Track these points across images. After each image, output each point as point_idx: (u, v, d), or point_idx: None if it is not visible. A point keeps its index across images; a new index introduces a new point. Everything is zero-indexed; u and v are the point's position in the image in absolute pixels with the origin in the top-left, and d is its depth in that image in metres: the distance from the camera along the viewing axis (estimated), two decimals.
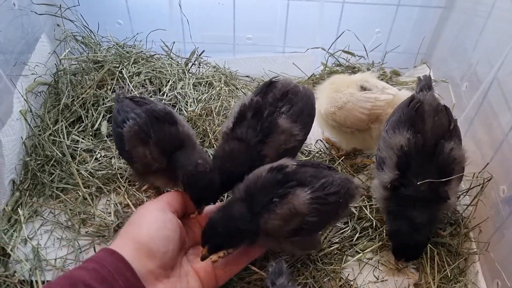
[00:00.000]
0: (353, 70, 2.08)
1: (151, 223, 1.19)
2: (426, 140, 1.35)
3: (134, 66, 1.91)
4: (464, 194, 1.61)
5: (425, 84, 1.52)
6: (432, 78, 2.08)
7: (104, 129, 1.78)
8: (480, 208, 1.53)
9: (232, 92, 1.97)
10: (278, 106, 1.39)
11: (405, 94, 1.68)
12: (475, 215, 1.55)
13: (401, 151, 1.35)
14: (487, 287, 1.45)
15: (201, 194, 1.28)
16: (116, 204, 1.59)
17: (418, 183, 1.31)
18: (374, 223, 1.56)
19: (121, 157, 1.65)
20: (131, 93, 1.80)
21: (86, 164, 1.67)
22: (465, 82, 1.82)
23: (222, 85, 1.94)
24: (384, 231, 1.54)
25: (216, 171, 1.30)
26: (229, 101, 1.89)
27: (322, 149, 1.83)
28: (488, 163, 1.50)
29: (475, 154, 1.62)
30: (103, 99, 1.81)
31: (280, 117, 1.37)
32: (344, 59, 2.11)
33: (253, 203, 1.20)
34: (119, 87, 1.47)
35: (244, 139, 1.34)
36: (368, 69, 2.09)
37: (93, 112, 1.80)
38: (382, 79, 2.05)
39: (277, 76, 1.95)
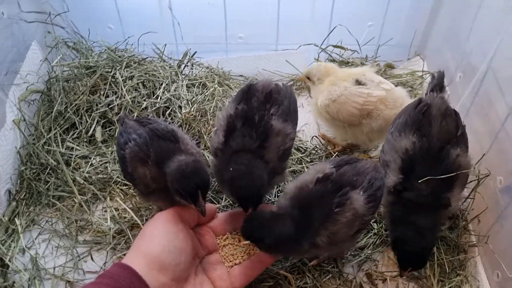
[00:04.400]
0: (347, 65, 2.07)
1: (162, 235, 1.17)
2: (431, 144, 1.33)
3: (127, 70, 1.90)
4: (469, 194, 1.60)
5: (437, 84, 1.47)
6: (426, 69, 2.08)
7: (98, 135, 1.77)
8: (479, 199, 1.52)
9: (226, 92, 1.96)
10: (266, 109, 1.35)
11: (399, 90, 1.68)
12: (474, 206, 1.54)
13: (406, 154, 1.33)
14: (487, 278, 1.45)
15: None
16: (112, 209, 1.59)
17: (419, 182, 1.28)
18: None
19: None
20: (124, 97, 1.79)
21: (81, 170, 1.67)
22: (460, 72, 1.81)
23: (216, 85, 1.93)
24: (383, 226, 1.54)
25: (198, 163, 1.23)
26: (223, 102, 1.88)
27: (318, 146, 1.83)
28: (484, 154, 1.50)
29: (473, 144, 1.61)
30: (97, 105, 1.81)
31: (271, 119, 1.33)
32: (337, 54, 2.09)
33: (308, 218, 1.18)
34: (126, 114, 1.44)
35: (246, 149, 1.28)
36: (362, 63, 2.08)
37: (87, 118, 1.79)
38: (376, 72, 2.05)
39: (255, 79, 1.99)
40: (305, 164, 1.72)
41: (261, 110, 1.34)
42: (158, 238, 1.16)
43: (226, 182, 1.25)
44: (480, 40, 1.70)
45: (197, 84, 1.93)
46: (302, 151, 1.79)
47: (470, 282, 1.44)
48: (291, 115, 1.39)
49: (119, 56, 1.96)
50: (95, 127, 1.78)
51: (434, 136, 1.34)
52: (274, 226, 1.19)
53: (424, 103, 1.40)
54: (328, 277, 1.43)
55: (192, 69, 2.04)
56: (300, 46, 2.05)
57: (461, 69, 1.81)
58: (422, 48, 2.18)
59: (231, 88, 2.01)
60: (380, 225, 1.55)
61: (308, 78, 1.81)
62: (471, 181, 1.52)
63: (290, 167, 1.68)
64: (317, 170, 1.26)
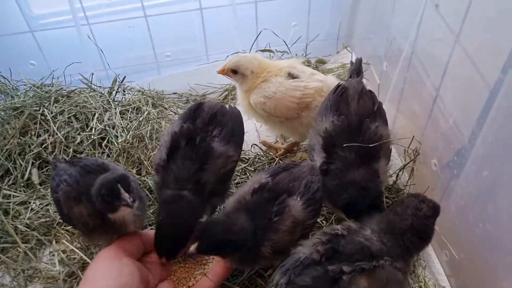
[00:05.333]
0: None
1: (105, 275, 1.15)
2: (351, 120, 1.37)
3: (56, 106, 1.84)
4: (402, 170, 1.64)
5: (354, 70, 1.53)
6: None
7: (35, 177, 1.71)
8: (422, 179, 1.56)
9: (161, 113, 1.93)
10: (209, 130, 1.36)
11: (332, 80, 1.69)
12: (418, 188, 1.57)
13: (326, 133, 1.37)
14: (438, 258, 1.49)
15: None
16: (59, 252, 1.54)
17: (345, 146, 1.32)
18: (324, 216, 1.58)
19: None
20: (56, 135, 1.74)
21: (22, 217, 1.60)
22: (387, 58, 1.84)
23: (150, 108, 1.90)
24: (333, 222, 1.56)
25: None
26: (160, 123, 1.85)
27: (259, 153, 1.83)
28: (413, 137, 1.53)
29: (411, 128, 1.65)
30: (29, 146, 1.74)
31: (213, 141, 1.34)
32: (267, 57, 2.09)
33: (250, 228, 1.19)
34: (56, 158, 1.41)
35: (182, 181, 1.28)
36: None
37: (21, 162, 1.73)
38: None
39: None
40: (249, 174, 1.72)
41: (204, 132, 1.35)
42: (102, 279, 1.14)
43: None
44: (401, 25, 1.74)
45: (130, 110, 1.89)
46: (245, 161, 1.78)
47: (421, 261, 1.49)
48: (235, 138, 1.40)
49: (46, 92, 1.89)
50: (30, 169, 1.72)
51: (352, 113, 1.39)
52: (235, 221, 1.19)
53: (342, 86, 1.45)
54: None
55: (125, 94, 2.00)
56: (227, 56, 2.04)
57: (387, 56, 1.84)
58: (349, 39, 2.22)
59: (165, 108, 1.97)
60: (330, 222, 1.56)
61: (235, 72, 1.70)
62: (407, 163, 1.58)
63: (235, 179, 1.68)
64: (253, 181, 1.27)
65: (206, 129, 1.36)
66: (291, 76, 1.65)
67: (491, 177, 1.18)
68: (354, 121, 1.37)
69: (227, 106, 1.47)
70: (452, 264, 1.42)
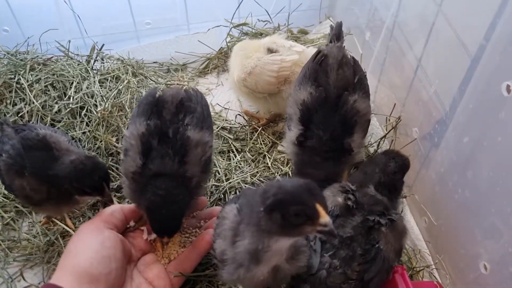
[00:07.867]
0: (260, 36, 2.05)
1: (87, 247, 1.14)
2: (329, 92, 1.35)
3: (32, 74, 1.79)
4: (383, 139, 1.65)
5: (334, 34, 1.48)
6: None
7: None
8: (405, 150, 1.57)
9: (141, 82, 1.89)
10: (180, 119, 1.26)
11: (310, 50, 1.68)
12: None
13: (303, 105, 1.35)
14: (417, 224, 1.52)
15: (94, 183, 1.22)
16: (39, 222, 1.52)
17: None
18: None
19: None
20: (33, 103, 1.69)
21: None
22: (369, 28, 1.84)
23: (130, 76, 1.86)
24: None
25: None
26: (140, 92, 1.82)
27: (241, 123, 1.82)
28: (395, 104, 1.55)
29: (392, 98, 1.66)
30: (5, 115, 1.69)
31: (187, 129, 1.23)
32: (250, 27, 2.07)
33: None
34: (5, 120, 1.40)
35: (165, 172, 1.19)
36: (275, 33, 2.07)
37: None
38: (291, 40, 2.04)
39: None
40: (231, 142, 1.71)
41: (175, 123, 1.25)
42: (84, 251, 1.13)
43: (143, 210, 1.21)
44: None
45: (110, 78, 1.85)
46: (228, 129, 1.78)
47: None
48: (206, 122, 1.30)
49: (21, 60, 1.83)
50: None
51: (331, 84, 1.36)
52: None
53: (321, 54, 1.41)
54: None
55: (103, 62, 1.95)
56: (208, 29, 1.99)
57: (370, 26, 1.84)
58: (332, 9, 2.20)
59: (146, 77, 1.94)
60: None
61: None
62: (388, 132, 1.60)
63: (218, 147, 1.67)
64: None
65: (177, 119, 1.26)
66: (270, 51, 1.65)
67: (471, 143, 1.20)
68: (332, 93, 1.34)
69: (190, 89, 1.37)
70: (430, 230, 1.45)
